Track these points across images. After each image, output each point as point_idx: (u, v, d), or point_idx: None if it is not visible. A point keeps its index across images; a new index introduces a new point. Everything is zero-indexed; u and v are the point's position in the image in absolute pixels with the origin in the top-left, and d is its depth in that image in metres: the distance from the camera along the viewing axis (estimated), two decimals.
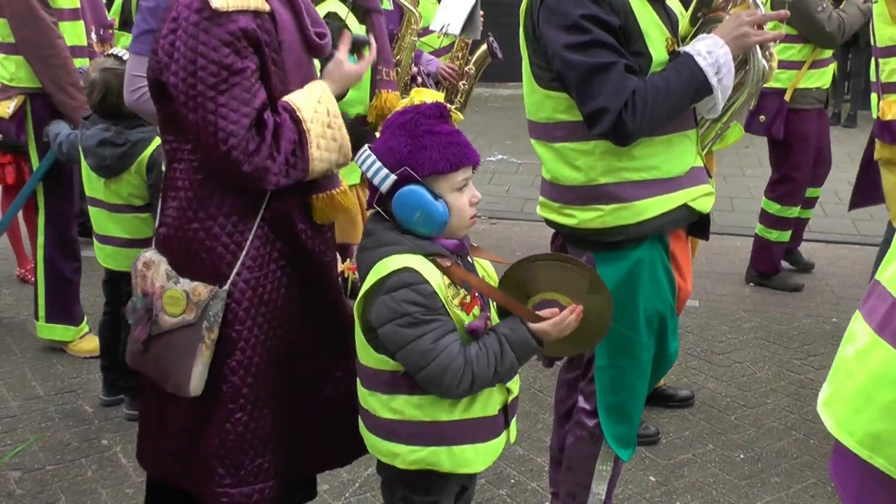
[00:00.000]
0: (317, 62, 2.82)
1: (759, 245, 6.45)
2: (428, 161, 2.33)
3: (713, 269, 6.74)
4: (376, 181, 2.36)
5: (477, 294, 2.41)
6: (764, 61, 2.87)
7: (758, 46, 2.83)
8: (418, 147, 2.34)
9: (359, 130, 4.08)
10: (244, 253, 2.58)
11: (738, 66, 2.81)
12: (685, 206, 2.87)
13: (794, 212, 6.29)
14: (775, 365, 5.12)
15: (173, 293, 2.59)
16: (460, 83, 5.63)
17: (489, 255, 2.63)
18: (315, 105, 2.57)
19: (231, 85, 2.43)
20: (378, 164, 2.36)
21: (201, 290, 2.57)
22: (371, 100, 4.37)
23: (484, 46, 5.78)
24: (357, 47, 2.67)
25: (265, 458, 2.69)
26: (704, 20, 2.97)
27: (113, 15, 4.51)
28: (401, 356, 2.33)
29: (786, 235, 6.38)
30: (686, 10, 3.06)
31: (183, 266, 2.63)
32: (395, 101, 4.36)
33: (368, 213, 2.52)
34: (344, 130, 2.62)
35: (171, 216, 2.65)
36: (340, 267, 2.95)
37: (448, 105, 2.43)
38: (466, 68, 5.67)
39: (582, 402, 3.08)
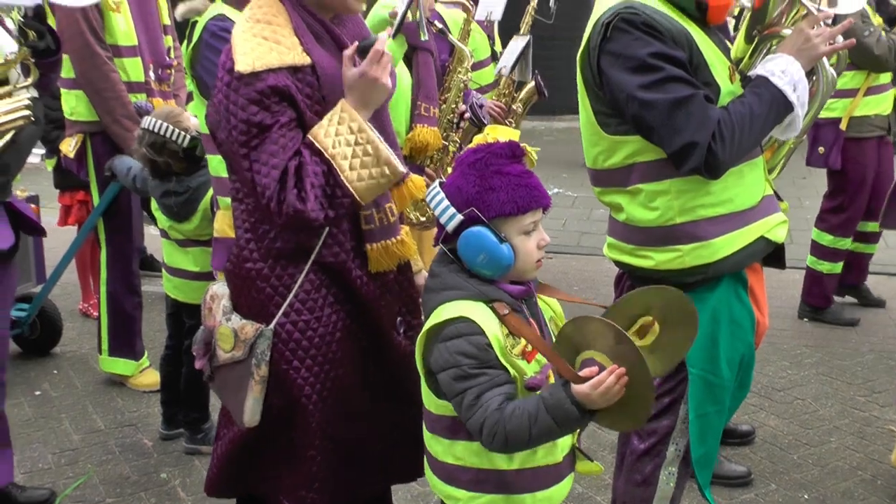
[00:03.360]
0: None
1: (811, 278, 6.31)
2: (495, 203, 2.29)
3: (771, 304, 6.59)
4: (443, 220, 2.34)
5: None
6: (831, 69, 2.84)
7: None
8: (487, 188, 2.30)
9: None
10: (292, 295, 2.61)
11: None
12: (762, 238, 2.82)
13: (846, 243, 6.14)
14: (838, 402, 5.01)
15: (224, 330, 2.65)
16: (507, 121, 5.64)
17: (557, 294, 2.58)
18: (335, 128, 2.50)
19: (262, 140, 2.46)
20: (446, 202, 2.34)
21: (248, 328, 2.61)
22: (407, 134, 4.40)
23: (531, 84, 5.79)
24: (364, 53, 2.60)
25: (325, 494, 2.71)
26: (761, 38, 2.94)
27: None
28: (453, 405, 2.32)
29: (837, 267, 6.21)
30: (729, 39, 3.03)
31: (238, 302, 2.69)
32: (431, 137, 4.39)
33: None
34: (376, 141, 2.52)
35: (234, 253, 2.70)
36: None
37: (524, 145, 2.39)
38: (514, 106, 5.67)
39: (636, 443, 3.03)
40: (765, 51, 2.93)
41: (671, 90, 2.62)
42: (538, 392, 2.28)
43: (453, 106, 4.70)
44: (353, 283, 2.67)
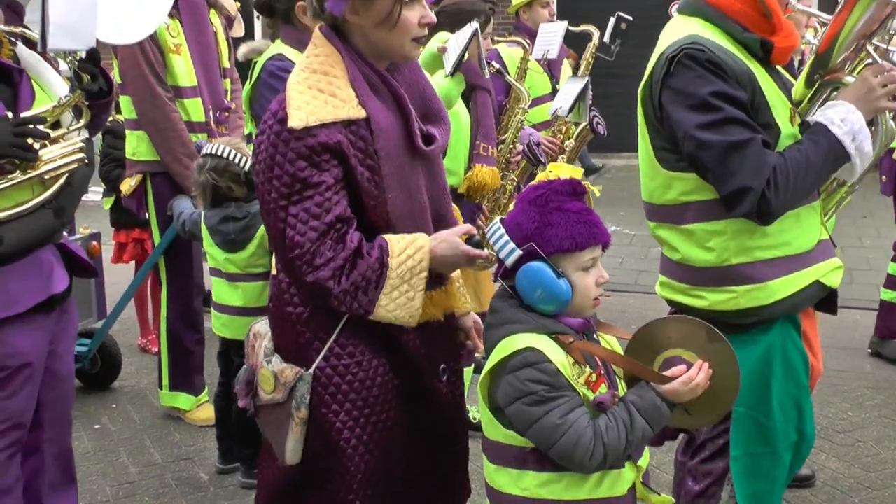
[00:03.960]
0: None
1: (885, 310, 6.16)
2: (554, 238, 2.31)
3: (832, 344, 6.53)
4: (502, 255, 2.37)
5: (603, 372, 2.38)
6: (892, 122, 2.81)
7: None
8: (545, 224, 2.32)
9: None
10: (332, 339, 2.60)
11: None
12: (817, 283, 2.80)
13: None
14: None
15: (265, 373, 2.66)
16: (559, 157, 5.65)
17: (616, 332, 2.58)
18: (404, 256, 2.51)
19: (304, 197, 2.44)
20: (506, 237, 2.36)
21: (288, 372, 2.61)
22: (466, 172, 4.42)
23: (584, 122, 5.80)
24: (470, 242, 2.59)
25: None
26: (822, 82, 2.91)
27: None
28: (531, 434, 2.31)
29: None
30: (794, 76, 3.01)
31: (279, 344, 2.69)
32: (489, 177, 4.40)
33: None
34: (421, 297, 2.54)
35: (274, 294, 2.71)
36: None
37: (585, 182, 2.41)
38: (566, 143, 5.68)
39: (691, 484, 3.00)
40: (824, 96, 2.91)
41: (729, 132, 2.62)
42: (614, 404, 2.32)
43: (511, 146, 4.71)
44: (394, 330, 2.63)
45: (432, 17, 2.58)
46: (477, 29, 3.86)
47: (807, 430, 2.96)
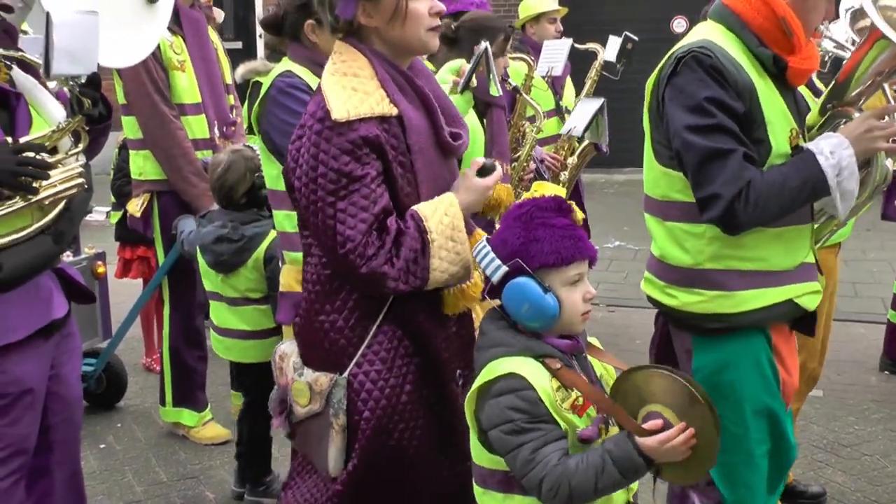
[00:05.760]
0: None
1: (892, 332, 6.16)
2: (539, 253, 2.32)
3: (836, 358, 6.51)
4: (488, 272, 2.38)
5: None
6: (888, 164, 2.82)
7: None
8: (531, 239, 2.33)
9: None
10: (364, 345, 2.63)
11: (860, 165, 2.75)
12: (790, 301, 2.81)
13: None
14: None
15: (298, 385, 2.69)
16: (561, 174, 5.65)
17: (607, 359, 2.58)
18: (441, 217, 2.59)
19: (350, 191, 2.51)
20: (492, 255, 2.38)
21: (322, 379, 2.64)
22: None
23: (605, 142, 5.82)
24: (484, 172, 2.72)
25: None
26: (833, 113, 2.93)
27: (245, 122, 4.73)
28: (507, 461, 2.33)
29: None
30: (817, 98, 3.02)
31: (308, 356, 2.72)
32: (504, 194, 4.40)
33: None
34: (467, 245, 2.63)
35: (304, 307, 2.74)
36: None
37: (570, 202, 2.43)
38: (570, 160, 5.69)
39: (696, 501, 3.00)
40: (830, 127, 2.92)
41: (715, 139, 2.66)
42: (594, 444, 2.28)
43: (524, 164, 4.69)
44: (425, 333, 2.70)
45: (441, 6, 2.66)
46: (487, 48, 3.88)
47: (784, 440, 2.95)
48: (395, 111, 2.59)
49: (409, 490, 2.76)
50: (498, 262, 2.36)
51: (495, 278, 2.36)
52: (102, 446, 5.25)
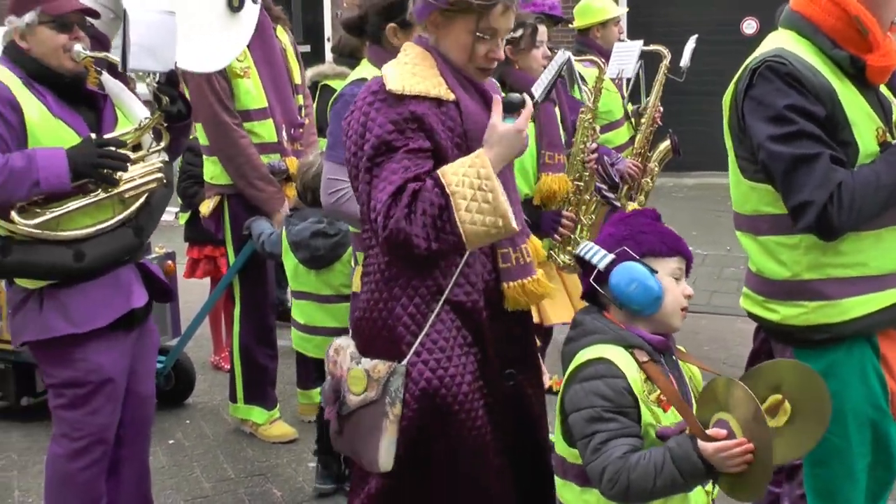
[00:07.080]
0: None
1: None
2: (646, 241, 2.44)
3: None
4: (594, 260, 2.45)
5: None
6: None
7: None
8: (637, 231, 2.46)
9: (526, 211, 4.12)
10: (423, 333, 2.64)
11: None
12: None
13: None
14: None
15: (355, 372, 2.68)
16: (643, 180, 5.63)
17: (695, 362, 2.61)
18: (464, 170, 2.56)
19: (388, 158, 2.56)
20: (597, 247, 2.48)
21: (381, 367, 2.64)
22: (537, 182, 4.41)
23: (667, 142, 5.78)
24: (510, 109, 2.66)
25: None
26: None
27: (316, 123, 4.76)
28: (579, 447, 2.36)
29: None
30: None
31: (365, 347, 2.72)
32: (557, 185, 4.37)
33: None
34: (498, 191, 2.54)
35: (364, 299, 2.76)
36: (548, 382, 2.95)
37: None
38: (650, 165, 5.66)
39: None
40: None
41: (799, 145, 2.62)
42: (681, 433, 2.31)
43: (581, 146, 4.59)
44: (483, 325, 2.70)
45: (500, 54, 2.72)
46: (570, 57, 3.88)
47: (888, 454, 2.87)
48: (452, 97, 2.66)
49: (456, 486, 2.73)
50: (604, 251, 2.46)
51: (602, 264, 2.44)
52: (171, 442, 5.33)
